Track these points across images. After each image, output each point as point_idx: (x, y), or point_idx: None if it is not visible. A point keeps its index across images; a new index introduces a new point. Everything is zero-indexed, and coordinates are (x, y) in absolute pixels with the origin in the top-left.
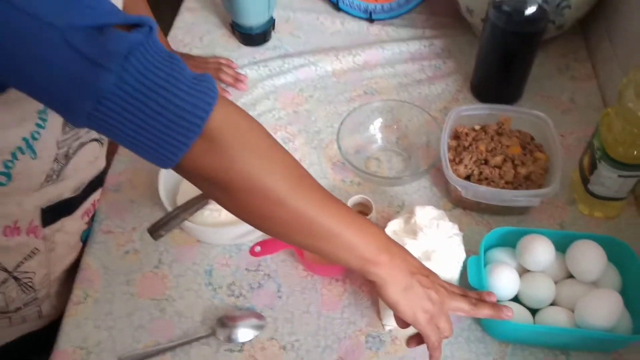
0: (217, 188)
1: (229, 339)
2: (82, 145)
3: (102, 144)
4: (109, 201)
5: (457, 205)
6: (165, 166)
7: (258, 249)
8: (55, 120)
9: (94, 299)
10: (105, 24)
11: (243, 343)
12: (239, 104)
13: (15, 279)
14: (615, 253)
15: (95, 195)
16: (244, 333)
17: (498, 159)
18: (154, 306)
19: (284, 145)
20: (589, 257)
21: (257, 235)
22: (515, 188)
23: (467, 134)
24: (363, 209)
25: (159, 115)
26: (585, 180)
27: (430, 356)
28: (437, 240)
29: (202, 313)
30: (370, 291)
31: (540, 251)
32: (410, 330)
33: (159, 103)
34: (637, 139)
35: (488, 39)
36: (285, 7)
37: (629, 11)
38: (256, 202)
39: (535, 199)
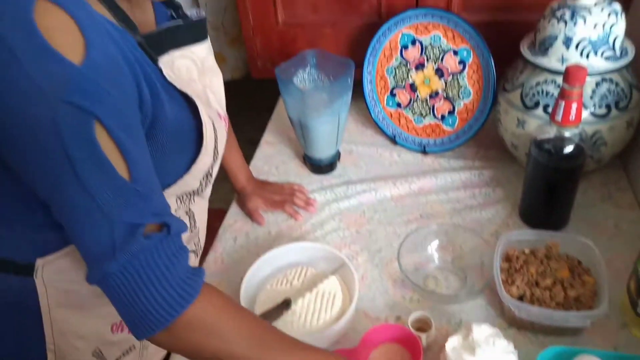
0: None
1: None
2: None
3: (197, 255)
4: None
5: (512, 324)
6: (137, 338)
7: None
8: None
9: None
10: (143, 223)
11: None
12: (308, 224)
13: None
14: None
15: None
16: None
17: (548, 282)
18: None
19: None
20: None
21: (341, 344)
22: (566, 309)
23: (517, 257)
24: (423, 325)
25: (141, 303)
26: (634, 304)
27: None
28: (494, 357)
29: None
30: None
31: None
32: None
33: (145, 295)
34: None
35: (532, 171)
36: (349, 141)
37: None
38: None
39: (585, 320)
